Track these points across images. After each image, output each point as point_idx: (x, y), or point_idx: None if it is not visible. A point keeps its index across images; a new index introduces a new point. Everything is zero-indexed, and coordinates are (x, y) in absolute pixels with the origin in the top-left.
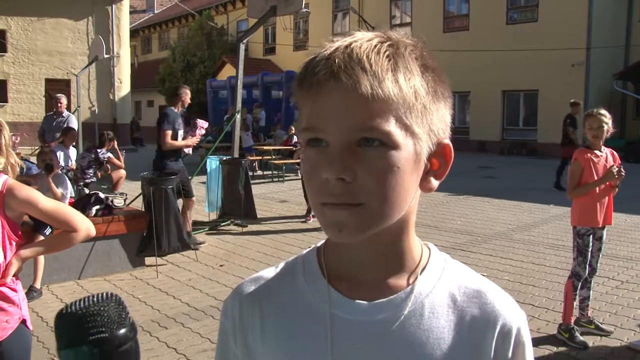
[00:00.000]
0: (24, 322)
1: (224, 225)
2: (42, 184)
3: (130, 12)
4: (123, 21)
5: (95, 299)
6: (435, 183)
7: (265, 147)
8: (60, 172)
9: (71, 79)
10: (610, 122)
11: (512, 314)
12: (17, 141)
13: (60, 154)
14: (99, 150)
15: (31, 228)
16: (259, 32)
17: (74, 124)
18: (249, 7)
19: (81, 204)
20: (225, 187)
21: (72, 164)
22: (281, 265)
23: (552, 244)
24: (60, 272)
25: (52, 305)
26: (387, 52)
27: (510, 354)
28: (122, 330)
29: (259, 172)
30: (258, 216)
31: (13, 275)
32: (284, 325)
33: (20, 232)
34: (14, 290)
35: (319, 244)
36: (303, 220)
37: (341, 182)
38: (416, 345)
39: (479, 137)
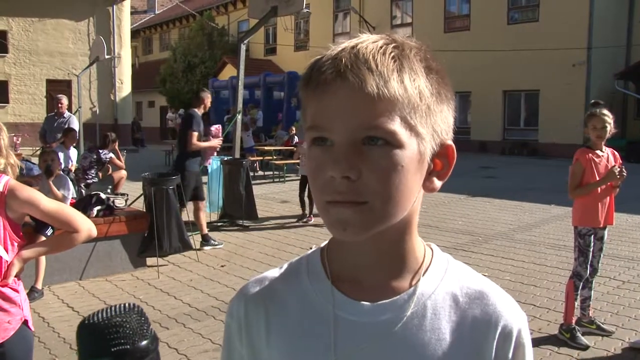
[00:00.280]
0: (25, 322)
1: (225, 226)
2: (43, 186)
3: (131, 13)
4: (124, 22)
5: (117, 309)
6: (438, 183)
7: (266, 148)
8: (62, 173)
9: (72, 79)
10: (612, 122)
11: (513, 316)
12: (18, 142)
13: (61, 155)
14: (101, 151)
15: (33, 229)
16: (260, 32)
17: (75, 124)
18: (249, 8)
19: (82, 204)
20: (227, 188)
21: (73, 164)
22: (285, 265)
23: (553, 244)
24: (61, 273)
25: (53, 306)
26: (392, 53)
27: (510, 355)
28: (144, 342)
29: (260, 173)
30: (259, 216)
31: (15, 276)
32: (289, 325)
33: (21, 233)
34: (15, 290)
35: (322, 245)
36: (304, 220)
37: (346, 181)
38: (418, 346)
39: (480, 137)
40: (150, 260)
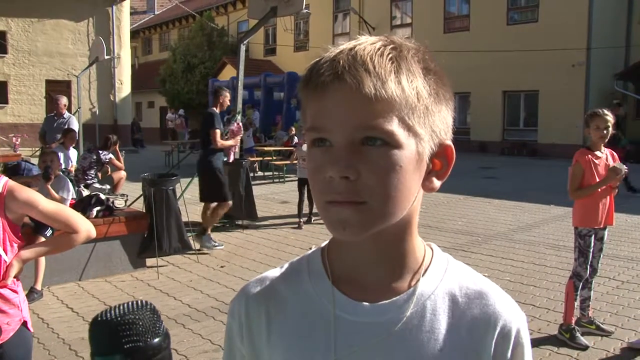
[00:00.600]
0: (24, 324)
1: (225, 226)
2: (42, 187)
3: (131, 13)
4: (123, 22)
5: (130, 306)
6: (437, 183)
7: (266, 148)
8: (61, 174)
9: (72, 80)
10: (613, 122)
11: (512, 315)
12: (17, 142)
13: (60, 155)
14: (100, 152)
15: (32, 230)
16: (260, 33)
17: (75, 125)
18: (249, 8)
19: (82, 205)
20: None
21: (73, 165)
22: (286, 265)
23: (552, 244)
24: (61, 274)
25: (52, 307)
26: (390, 55)
27: (509, 355)
28: (156, 340)
29: (260, 173)
30: (259, 217)
31: (14, 277)
32: (289, 325)
33: (20, 234)
34: (14, 292)
35: (323, 245)
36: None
37: (345, 181)
38: (418, 347)
39: (480, 138)
40: (149, 261)
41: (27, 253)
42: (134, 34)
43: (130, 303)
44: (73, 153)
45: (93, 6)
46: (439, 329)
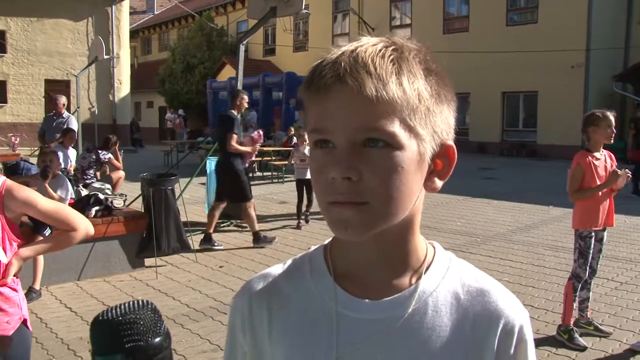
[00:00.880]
0: (24, 322)
1: (223, 226)
2: (40, 186)
3: (130, 13)
4: (123, 22)
5: (131, 306)
6: (439, 183)
7: (264, 148)
8: (60, 173)
9: (71, 79)
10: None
11: (514, 312)
12: (16, 142)
13: (59, 155)
14: (100, 151)
15: (30, 229)
16: (259, 33)
17: (74, 125)
18: (249, 8)
19: (80, 205)
20: None
21: (72, 164)
22: (289, 262)
23: (551, 245)
24: (59, 273)
25: (51, 307)
26: (391, 56)
27: (512, 351)
28: (157, 339)
29: (259, 173)
30: (258, 217)
31: (13, 275)
32: (291, 321)
33: (19, 233)
34: (14, 290)
35: (325, 242)
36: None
37: (347, 182)
38: (420, 343)
39: (479, 139)
40: (148, 261)
41: (26, 251)
42: (134, 33)
43: (131, 303)
44: (72, 153)
45: (92, 6)
46: (441, 326)
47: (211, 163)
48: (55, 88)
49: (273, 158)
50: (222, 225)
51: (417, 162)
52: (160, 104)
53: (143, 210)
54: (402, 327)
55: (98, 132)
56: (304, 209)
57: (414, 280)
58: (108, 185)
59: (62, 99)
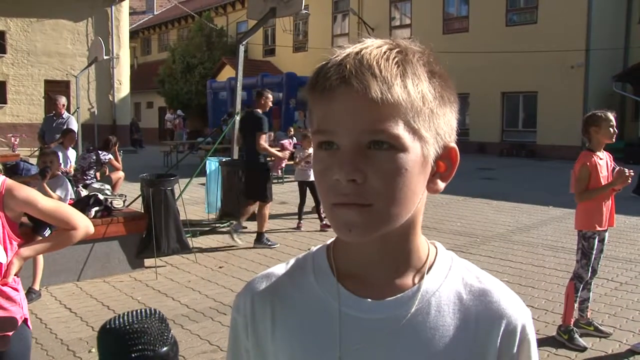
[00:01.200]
0: (25, 321)
1: (223, 227)
2: (40, 186)
3: (130, 14)
4: (122, 22)
5: (139, 315)
6: (441, 185)
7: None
8: (60, 173)
9: (71, 80)
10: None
11: (517, 312)
12: (16, 142)
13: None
14: (100, 152)
15: (31, 229)
16: (259, 33)
17: (74, 125)
18: (248, 9)
19: (80, 205)
20: (225, 189)
21: (72, 165)
22: (292, 262)
23: (551, 245)
24: (59, 274)
25: (50, 307)
26: (396, 59)
27: (515, 350)
28: (164, 349)
29: None
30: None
31: (14, 274)
32: (294, 321)
33: (19, 232)
34: (15, 289)
35: (328, 242)
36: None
37: (352, 183)
38: (422, 343)
39: (479, 139)
40: (148, 262)
41: (27, 251)
42: (133, 34)
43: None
44: (72, 153)
45: (92, 6)
46: (444, 325)
47: (211, 163)
48: (55, 88)
49: (273, 159)
50: (222, 225)
51: (421, 164)
52: (160, 104)
53: (143, 211)
54: (405, 326)
55: (98, 132)
56: (306, 210)
57: (416, 280)
58: (108, 186)
59: (62, 100)
